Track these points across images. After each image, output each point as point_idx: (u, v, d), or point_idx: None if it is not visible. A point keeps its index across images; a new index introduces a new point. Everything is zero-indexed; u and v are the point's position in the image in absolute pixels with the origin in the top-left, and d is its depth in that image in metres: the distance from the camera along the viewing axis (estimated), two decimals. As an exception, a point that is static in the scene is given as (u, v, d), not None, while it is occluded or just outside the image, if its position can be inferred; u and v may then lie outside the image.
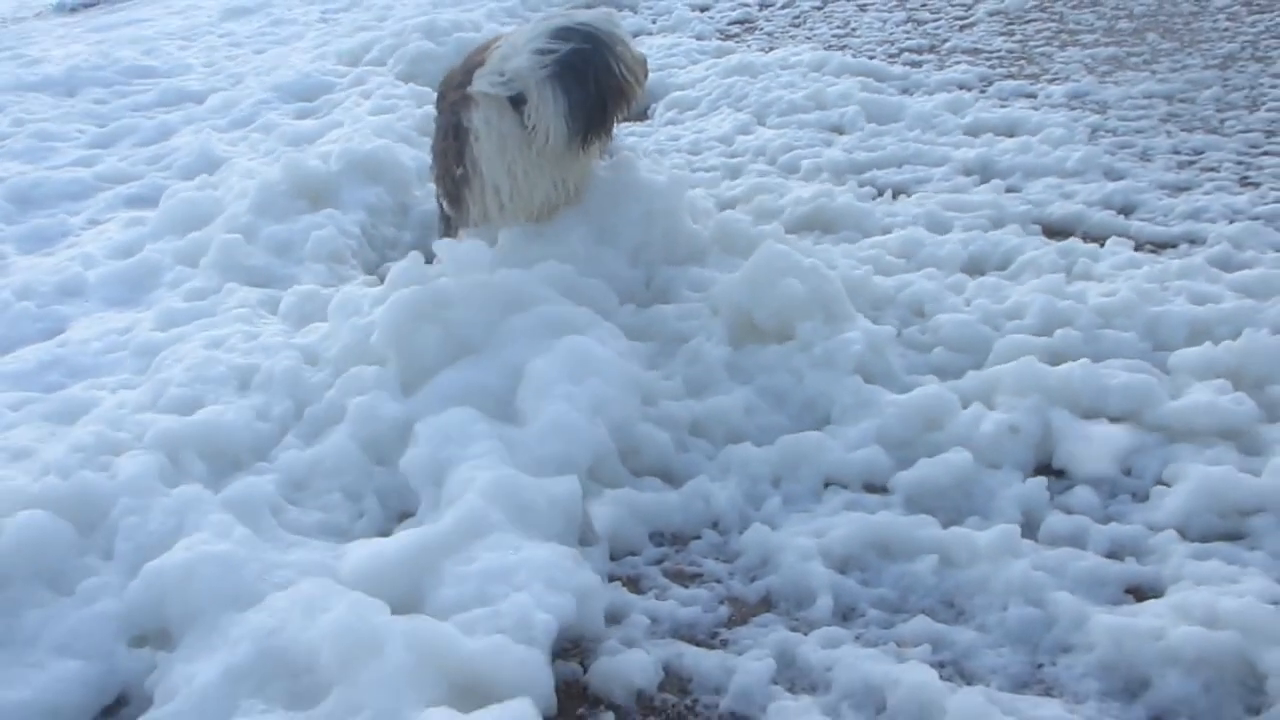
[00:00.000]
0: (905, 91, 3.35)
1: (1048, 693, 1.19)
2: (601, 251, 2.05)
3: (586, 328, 1.77)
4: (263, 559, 1.37)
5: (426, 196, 2.62)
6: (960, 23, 4.15)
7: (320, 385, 1.81)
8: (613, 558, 1.46)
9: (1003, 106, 3.12)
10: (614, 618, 1.33)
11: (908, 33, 4.08)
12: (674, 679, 1.24)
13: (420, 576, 1.30)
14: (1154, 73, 3.27)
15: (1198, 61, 3.31)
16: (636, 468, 1.61)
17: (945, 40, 3.92)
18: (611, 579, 1.40)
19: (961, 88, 3.33)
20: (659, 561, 1.46)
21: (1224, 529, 1.40)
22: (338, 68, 4.09)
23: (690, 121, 3.34)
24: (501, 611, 1.20)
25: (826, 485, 1.56)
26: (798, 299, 1.80)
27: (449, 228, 2.29)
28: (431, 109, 2.37)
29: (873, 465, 1.56)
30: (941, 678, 1.19)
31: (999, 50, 3.73)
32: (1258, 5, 3.85)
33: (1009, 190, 2.56)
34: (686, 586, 1.40)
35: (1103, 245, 2.19)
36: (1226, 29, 3.63)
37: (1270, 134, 2.72)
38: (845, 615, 1.34)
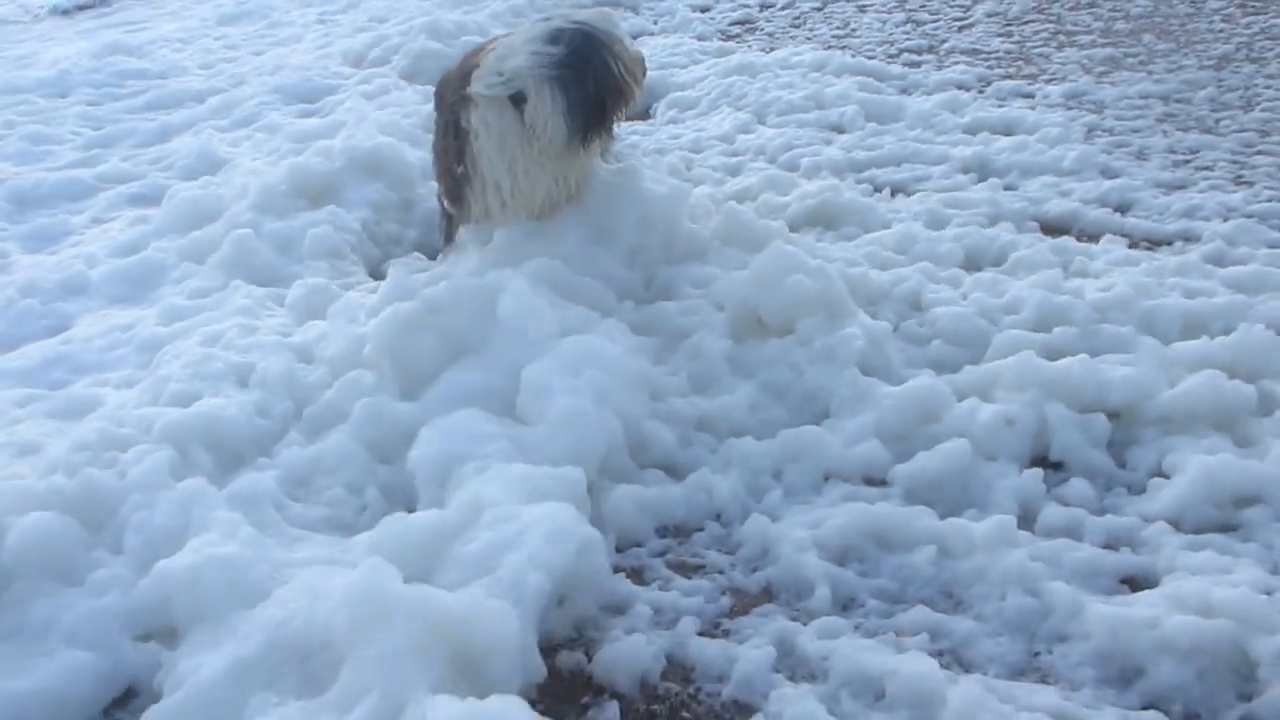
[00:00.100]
0: (904, 91, 3.38)
1: (1044, 681, 1.21)
2: (597, 252, 2.06)
3: (588, 326, 1.79)
4: (270, 558, 1.38)
5: (431, 193, 2.64)
6: (959, 24, 4.18)
7: (317, 385, 1.82)
8: (618, 549, 1.47)
9: (1001, 106, 3.14)
10: (618, 608, 1.35)
11: (907, 33, 4.10)
12: (677, 668, 1.26)
13: (427, 553, 1.31)
14: (1150, 73, 3.29)
15: (1193, 62, 3.34)
16: (642, 462, 1.62)
17: (944, 41, 3.95)
18: (616, 570, 1.42)
19: (960, 88, 3.35)
20: (662, 553, 1.48)
21: (1218, 521, 1.42)
22: (342, 69, 4.11)
23: (691, 120, 3.36)
24: (501, 576, 1.22)
25: (826, 478, 1.58)
26: (806, 296, 1.82)
27: (451, 225, 2.31)
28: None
29: (871, 458, 1.58)
30: (940, 666, 1.21)
31: (997, 51, 3.75)
32: (1252, 7, 3.88)
33: (1006, 188, 2.58)
34: (689, 577, 1.42)
35: (1098, 242, 2.22)
36: (1222, 30, 3.65)
37: (1264, 133, 2.75)
38: (845, 605, 1.36)
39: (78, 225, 2.86)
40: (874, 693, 1.19)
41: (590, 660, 1.27)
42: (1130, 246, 2.20)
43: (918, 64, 3.68)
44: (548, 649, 1.27)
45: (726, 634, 1.31)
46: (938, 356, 1.83)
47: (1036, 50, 3.70)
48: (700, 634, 1.30)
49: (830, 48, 3.95)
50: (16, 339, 2.21)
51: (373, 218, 2.61)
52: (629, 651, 1.25)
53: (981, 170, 2.71)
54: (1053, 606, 1.28)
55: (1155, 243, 2.26)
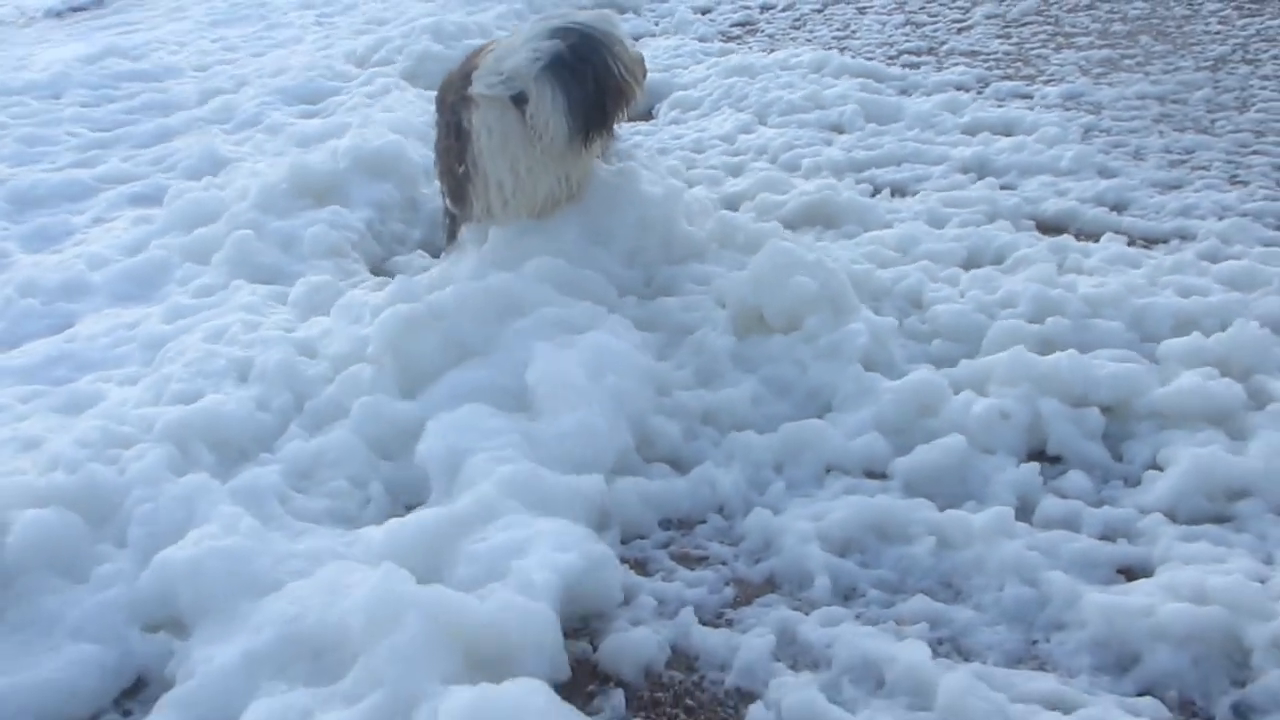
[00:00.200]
0: (904, 92, 3.40)
1: (1042, 668, 1.23)
2: (595, 252, 2.08)
3: (593, 323, 1.80)
4: (274, 549, 1.39)
5: (436, 193, 2.65)
6: (958, 25, 4.20)
7: (318, 379, 1.83)
8: (622, 541, 1.49)
9: (999, 107, 3.16)
10: (623, 599, 1.36)
11: (906, 35, 4.13)
12: (681, 656, 1.28)
13: (438, 554, 1.33)
14: (1147, 74, 3.32)
15: (1189, 64, 3.37)
16: (648, 456, 1.64)
17: (943, 43, 3.97)
18: (621, 561, 1.43)
19: (959, 88, 3.38)
20: (666, 545, 1.50)
21: (1212, 512, 1.44)
22: (347, 68, 4.11)
23: (693, 121, 3.38)
24: (510, 578, 1.23)
25: (828, 471, 1.60)
26: (808, 295, 1.84)
27: (454, 223, 2.33)
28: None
29: (872, 451, 1.60)
30: (939, 655, 1.23)
31: (996, 52, 3.78)
32: (1248, 9, 3.91)
33: (1004, 187, 2.61)
34: (693, 569, 1.44)
35: (1096, 241, 2.24)
36: (1218, 32, 3.68)
37: (1259, 134, 2.77)
38: (846, 595, 1.38)
39: (79, 225, 2.86)
40: (874, 680, 1.20)
41: (596, 649, 1.28)
42: (1127, 244, 2.22)
43: (917, 65, 3.70)
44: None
45: (729, 623, 1.33)
46: (939, 353, 1.84)
47: (1035, 52, 3.72)
48: (703, 624, 1.32)
49: (830, 49, 3.97)
50: (19, 337, 2.22)
51: (377, 217, 2.63)
52: (634, 641, 1.27)
53: (980, 170, 2.73)
54: (1050, 596, 1.30)
55: (1151, 241, 2.28)
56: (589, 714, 1.18)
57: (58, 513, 1.45)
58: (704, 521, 1.54)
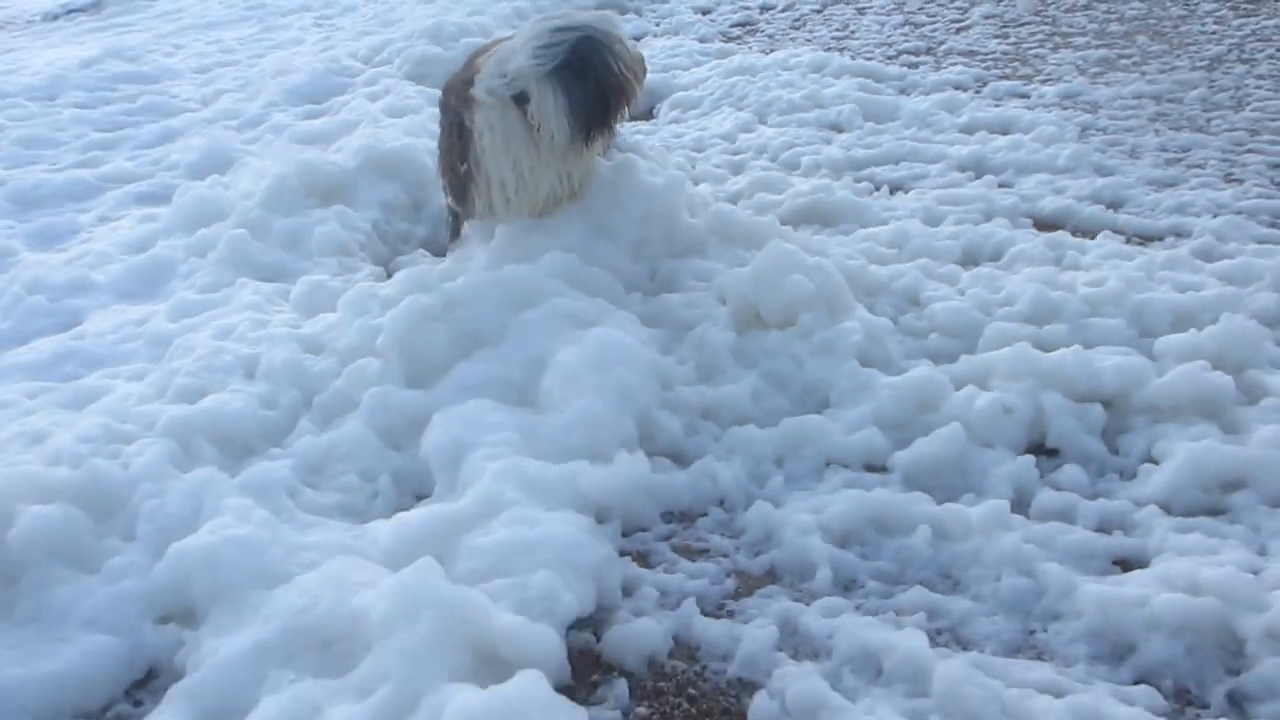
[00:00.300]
0: (902, 92, 3.42)
1: (1039, 657, 1.25)
2: (601, 246, 2.10)
3: (602, 317, 1.82)
4: (285, 541, 1.40)
5: (440, 192, 2.67)
6: (956, 25, 4.23)
7: (325, 374, 1.84)
8: (624, 534, 1.51)
9: (997, 106, 3.19)
10: (626, 590, 1.38)
11: (905, 35, 4.15)
12: (683, 647, 1.30)
13: (442, 548, 1.35)
14: (1143, 74, 3.34)
15: (1185, 63, 3.39)
16: (650, 450, 1.65)
17: (941, 43, 3.99)
18: (623, 554, 1.45)
19: (957, 88, 3.40)
20: (668, 537, 1.52)
21: (1206, 504, 1.46)
22: (352, 63, 4.12)
23: (693, 120, 3.40)
24: (528, 586, 1.26)
25: (827, 465, 1.62)
26: (804, 294, 1.86)
27: (456, 222, 2.35)
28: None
29: (871, 445, 1.62)
30: (938, 644, 1.25)
31: (994, 52, 3.80)
32: (1244, 10, 3.93)
33: (1002, 186, 2.63)
34: (694, 561, 1.46)
35: (1092, 238, 2.26)
36: (1214, 32, 3.71)
37: (1254, 132, 2.80)
38: (846, 586, 1.39)
39: (85, 224, 2.88)
40: (874, 669, 1.22)
41: (599, 640, 1.30)
42: (1124, 242, 2.25)
43: (915, 65, 3.73)
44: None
45: (731, 614, 1.35)
46: (936, 349, 1.86)
47: (1032, 51, 3.75)
48: (705, 615, 1.33)
49: (830, 49, 3.99)
50: (25, 335, 2.22)
51: (383, 217, 2.64)
52: (637, 632, 1.28)
53: (978, 168, 2.76)
54: (1047, 586, 1.32)
55: (1146, 238, 2.31)
56: (593, 704, 1.20)
57: (61, 508, 1.46)
58: (705, 514, 1.56)
